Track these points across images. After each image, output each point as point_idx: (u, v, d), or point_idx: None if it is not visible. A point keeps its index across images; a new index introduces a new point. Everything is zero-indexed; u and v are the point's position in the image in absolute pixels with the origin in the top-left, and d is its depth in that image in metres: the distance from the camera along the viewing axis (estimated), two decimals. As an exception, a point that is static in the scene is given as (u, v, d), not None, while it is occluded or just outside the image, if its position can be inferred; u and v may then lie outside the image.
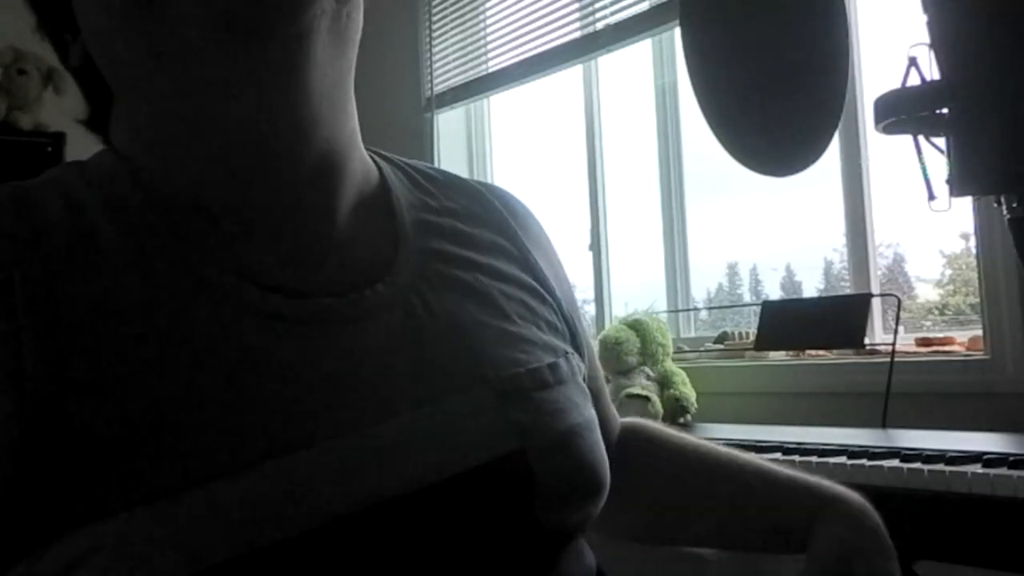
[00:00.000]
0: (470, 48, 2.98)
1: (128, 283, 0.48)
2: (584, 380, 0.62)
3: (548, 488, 0.52)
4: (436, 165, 0.72)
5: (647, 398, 1.92)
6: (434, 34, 3.07)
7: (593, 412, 0.60)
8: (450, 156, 3.05)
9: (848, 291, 2.20)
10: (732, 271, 2.62)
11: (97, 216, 0.51)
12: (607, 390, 0.75)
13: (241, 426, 0.45)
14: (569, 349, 0.62)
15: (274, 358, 0.48)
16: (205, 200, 0.53)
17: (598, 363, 0.74)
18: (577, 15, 2.62)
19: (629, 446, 0.73)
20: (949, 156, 1.26)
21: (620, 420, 0.76)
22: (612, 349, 2.03)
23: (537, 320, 0.60)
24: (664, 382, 2.04)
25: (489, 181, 0.71)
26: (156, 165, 0.54)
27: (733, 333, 2.31)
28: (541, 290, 0.63)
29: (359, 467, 0.46)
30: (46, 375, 0.44)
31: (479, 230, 0.63)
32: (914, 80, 1.32)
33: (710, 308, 2.65)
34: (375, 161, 0.63)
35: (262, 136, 0.52)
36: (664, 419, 1.96)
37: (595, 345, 2.08)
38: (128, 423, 0.44)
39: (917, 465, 1.29)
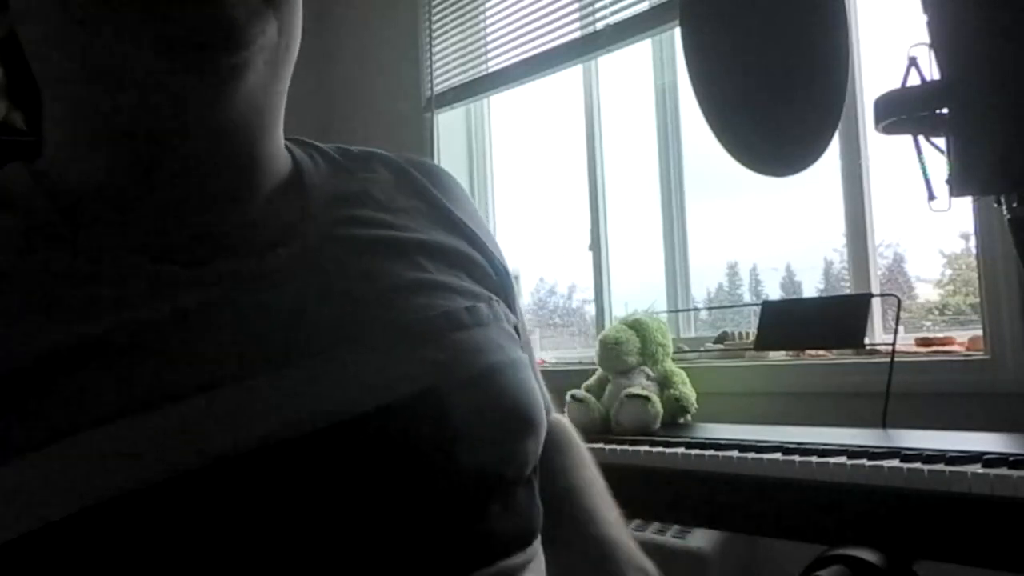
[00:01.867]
0: (470, 48, 2.98)
1: (23, 264, 0.49)
2: (517, 332, 0.61)
3: (464, 426, 0.51)
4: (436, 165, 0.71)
5: (647, 398, 1.92)
6: (434, 34, 3.07)
7: (522, 355, 0.59)
8: (450, 156, 3.05)
9: (848, 291, 2.20)
10: (732, 271, 2.62)
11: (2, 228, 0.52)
12: (537, 368, 0.73)
13: (132, 375, 0.46)
14: (495, 297, 0.61)
15: (172, 314, 0.48)
16: (112, 188, 0.54)
17: (529, 341, 0.73)
18: (577, 15, 2.62)
19: (548, 450, 0.69)
20: (949, 156, 1.25)
21: (554, 415, 0.74)
22: (612, 349, 2.03)
23: (458, 270, 0.60)
24: (664, 382, 2.04)
25: (428, 161, 0.72)
26: (64, 152, 0.55)
27: (733, 333, 2.31)
28: (465, 244, 0.63)
29: (258, 408, 0.46)
30: None
31: (397, 195, 0.63)
32: (914, 80, 1.32)
33: (710, 308, 2.65)
34: (290, 150, 0.64)
35: (180, 143, 0.53)
36: (664, 419, 1.96)
37: (595, 345, 2.09)
38: (14, 371, 0.45)
39: (917, 465, 1.29)
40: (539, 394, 0.57)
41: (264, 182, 0.58)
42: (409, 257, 0.58)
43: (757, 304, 2.26)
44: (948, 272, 2.22)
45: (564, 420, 0.76)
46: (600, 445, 1.72)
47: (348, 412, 0.48)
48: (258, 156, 0.57)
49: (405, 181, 0.66)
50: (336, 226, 0.58)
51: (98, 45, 0.50)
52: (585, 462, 0.71)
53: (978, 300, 1.88)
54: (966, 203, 1.75)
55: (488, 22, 2.93)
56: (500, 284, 0.64)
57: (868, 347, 1.96)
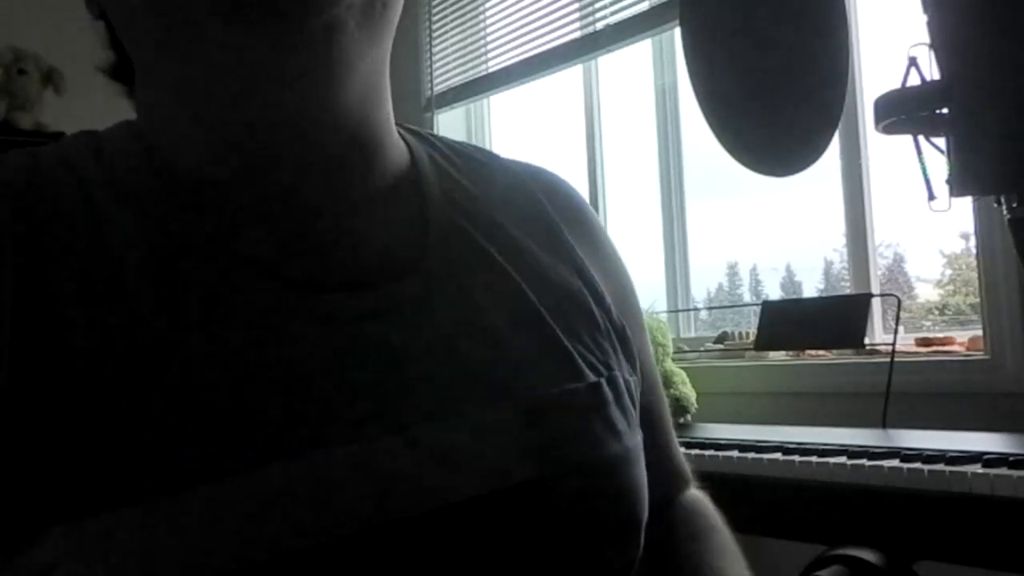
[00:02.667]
0: (470, 48, 2.98)
1: (130, 268, 0.44)
2: (634, 401, 0.55)
3: (568, 523, 0.47)
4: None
5: (647, 398, 1.92)
6: (434, 34, 3.07)
7: (637, 439, 0.53)
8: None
9: (848, 291, 2.20)
10: (732, 271, 2.62)
11: (104, 192, 0.47)
12: (668, 415, 0.66)
13: (236, 430, 0.41)
14: (615, 364, 0.55)
15: (272, 360, 0.44)
16: (220, 181, 0.49)
17: (659, 384, 0.66)
18: (577, 15, 2.62)
19: (680, 537, 0.63)
20: (949, 156, 1.26)
21: (691, 489, 0.66)
22: (612, 349, 2.03)
23: (579, 329, 0.54)
24: (664, 382, 2.04)
25: (529, 161, 0.63)
26: (172, 139, 0.50)
27: (733, 333, 2.31)
28: (586, 293, 0.56)
29: (349, 484, 0.42)
30: (28, 362, 0.41)
31: (519, 222, 0.56)
32: (914, 80, 1.32)
33: (710, 308, 2.65)
34: (406, 140, 0.57)
35: (277, 126, 0.48)
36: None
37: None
38: (114, 418, 0.40)
39: (917, 465, 1.29)
40: (645, 489, 0.52)
41: (379, 174, 0.52)
42: (530, 306, 0.52)
43: (757, 304, 2.26)
44: (948, 272, 2.22)
45: (703, 500, 0.67)
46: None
47: (453, 496, 0.44)
48: (368, 142, 0.52)
49: (529, 203, 0.59)
50: (455, 255, 0.52)
51: (166, 18, 0.45)
52: (723, 551, 0.63)
53: (978, 300, 1.88)
54: (966, 203, 1.75)
55: (488, 22, 2.93)
56: (618, 340, 0.57)
57: (868, 347, 1.95)
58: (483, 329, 0.50)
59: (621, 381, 0.54)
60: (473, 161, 0.60)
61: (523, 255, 0.55)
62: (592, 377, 0.52)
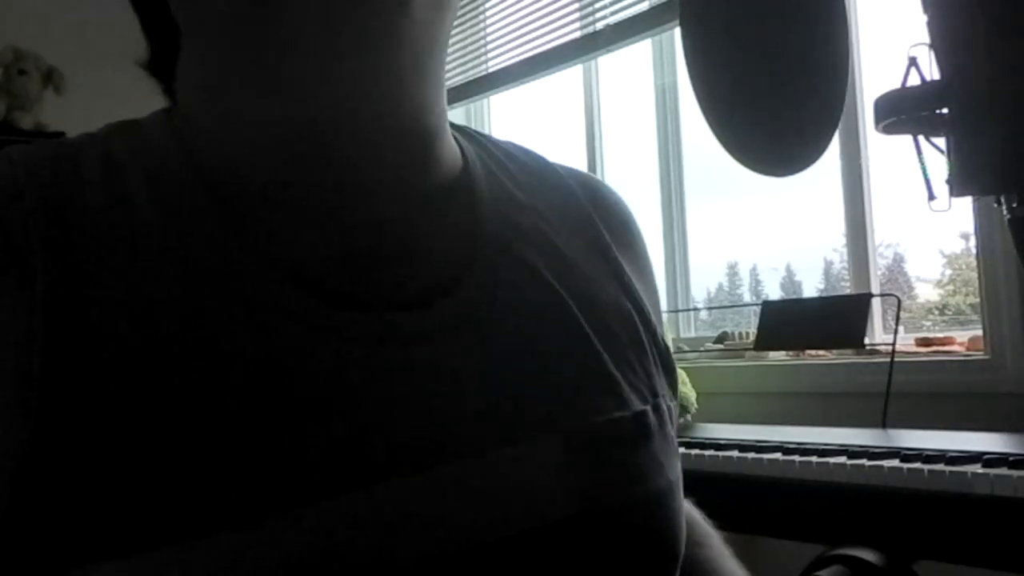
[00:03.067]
0: (470, 48, 2.98)
1: (166, 283, 0.41)
2: (674, 427, 0.54)
3: (609, 558, 0.45)
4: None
5: (647, 398, 1.92)
6: (434, 34, 3.07)
7: (679, 470, 0.51)
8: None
9: (848, 291, 2.20)
10: (732, 271, 2.62)
11: (140, 193, 0.44)
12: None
13: (268, 468, 0.39)
14: (660, 391, 0.52)
15: (324, 383, 0.41)
16: (264, 179, 0.46)
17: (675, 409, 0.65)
18: (577, 15, 2.62)
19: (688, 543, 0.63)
20: (949, 156, 1.26)
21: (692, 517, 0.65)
22: (612, 349, 2.03)
23: (627, 353, 0.51)
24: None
25: (577, 168, 0.60)
26: (212, 129, 0.47)
27: (733, 333, 2.31)
28: (634, 314, 0.53)
29: (394, 521, 0.40)
30: (62, 388, 0.38)
31: (568, 237, 0.54)
32: (914, 80, 1.32)
33: (710, 308, 2.65)
34: (457, 140, 0.54)
35: (340, 107, 0.45)
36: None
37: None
38: (146, 451, 0.38)
39: (917, 465, 1.29)
40: (684, 521, 0.51)
41: (432, 174, 0.50)
42: (579, 329, 0.50)
43: (757, 304, 2.26)
44: (948, 272, 2.22)
45: (690, 505, 0.65)
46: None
47: (492, 534, 0.42)
48: (425, 134, 0.49)
49: (579, 216, 0.56)
50: (505, 271, 0.49)
51: None
52: (724, 553, 0.63)
53: (978, 300, 1.88)
54: (966, 203, 1.75)
55: (488, 22, 2.93)
56: (661, 364, 0.55)
57: (868, 347, 1.96)
58: (528, 353, 0.47)
59: (665, 408, 0.52)
60: (523, 167, 0.57)
61: (571, 272, 0.52)
62: (638, 405, 0.50)
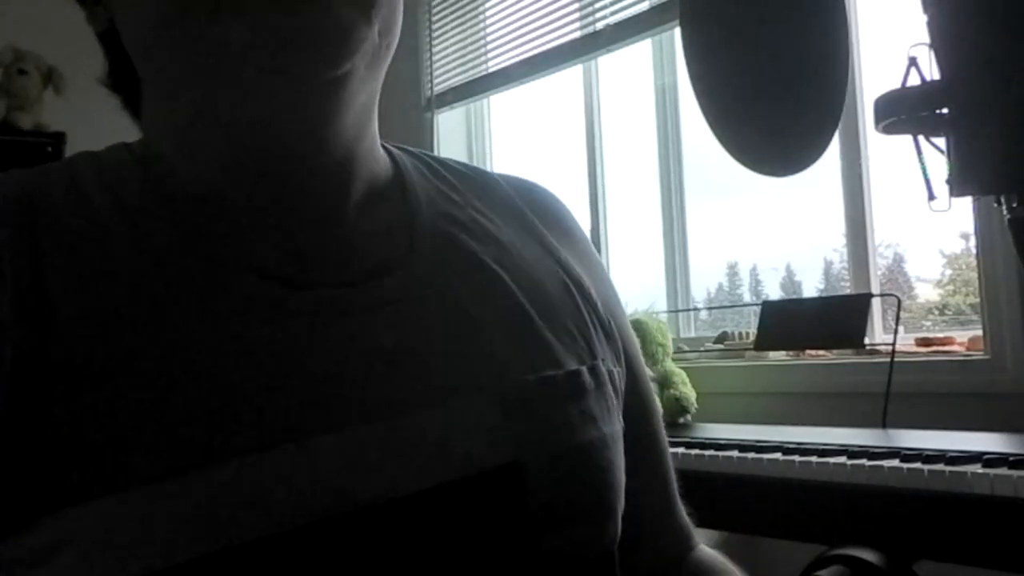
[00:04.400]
0: (470, 48, 2.98)
1: (125, 272, 0.47)
2: (617, 393, 0.57)
3: (543, 507, 0.48)
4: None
5: (647, 398, 1.92)
6: (434, 34, 3.07)
7: (617, 427, 0.55)
8: (450, 156, 3.04)
9: (848, 291, 2.20)
10: (732, 271, 2.62)
11: (102, 205, 0.50)
12: (668, 453, 0.66)
13: (224, 417, 0.44)
14: (599, 355, 0.57)
15: (265, 349, 0.46)
16: (214, 193, 0.51)
17: (659, 411, 0.67)
18: (577, 15, 2.62)
19: None
20: (949, 156, 1.26)
21: (699, 546, 0.66)
22: (612, 349, 2.03)
23: (564, 320, 0.56)
24: (664, 382, 2.04)
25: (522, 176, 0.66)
26: (170, 151, 0.53)
27: (733, 333, 2.31)
28: (571, 287, 0.59)
29: (331, 471, 0.44)
30: (30, 361, 0.43)
31: (503, 226, 0.59)
32: (914, 80, 1.32)
33: (710, 308, 2.65)
34: (390, 153, 0.60)
35: (282, 147, 0.51)
36: (664, 419, 1.95)
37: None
38: (114, 408, 0.43)
39: (917, 465, 1.29)
40: (621, 473, 0.54)
41: (363, 181, 0.55)
42: (514, 301, 0.54)
43: (757, 304, 2.26)
44: (948, 272, 2.22)
45: (720, 557, 0.66)
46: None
47: (426, 481, 0.45)
48: (356, 155, 0.55)
49: (512, 209, 0.62)
50: (441, 255, 0.55)
51: (201, 40, 0.48)
52: None
53: (978, 300, 1.88)
54: (966, 203, 1.75)
55: (488, 22, 2.93)
56: (604, 334, 0.59)
57: (868, 347, 1.96)
58: (464, 322, 0.52)
59: (604, 370, 0.56)
60: (459, 174, 0.62)
61: (507, 253, 0.57)
62: (572, 365, 0.54)
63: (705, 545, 0.67)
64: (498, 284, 0.55)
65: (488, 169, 0.66)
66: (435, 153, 0.66)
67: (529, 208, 0.62)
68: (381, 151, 0.59)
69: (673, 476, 0.66)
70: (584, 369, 0.54)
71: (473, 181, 0.62)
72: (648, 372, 1.96)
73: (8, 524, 0.42)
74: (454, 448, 0.47)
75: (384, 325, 0.49)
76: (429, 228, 0.56)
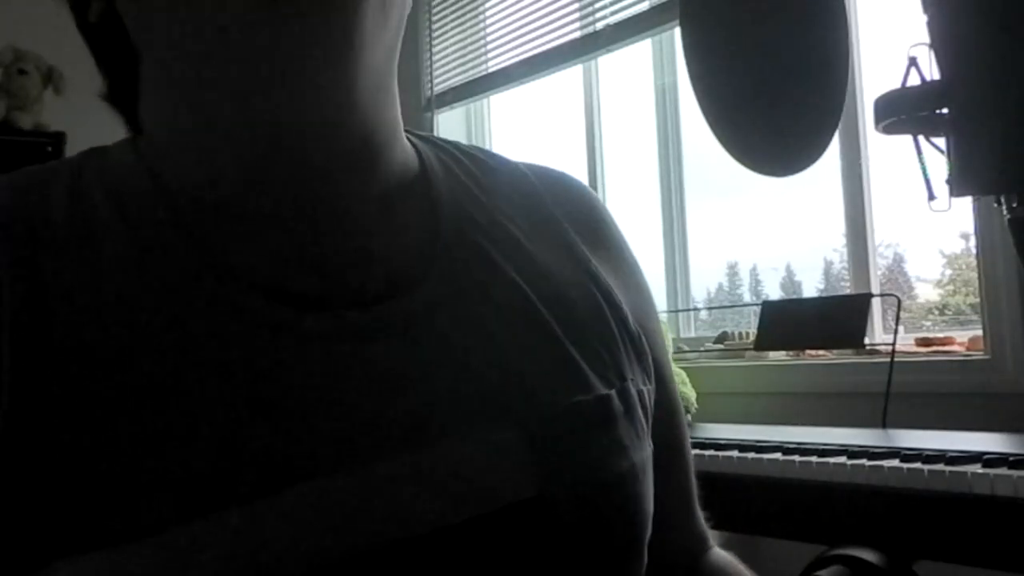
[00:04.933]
0: (470, 48, 2.98)
1: (129, 290, 0.44)
2: (647, 412, 0.54)
3: (569, 543, 0.46)
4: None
5: (647, 398, 1.92)
6: (434, 34, 3.07)
7: (647, 451, 0.52)
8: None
9: (848, 291, 2.20)
10: (732, 271, 2.62)
11: (105, 212, 0.46)
12: (690, 458, 0.63)
13: (237, 458, 0.41)
14: (628, 376, 0.53)
15: (275, 378, 0.43)
16: (223, 194, 0.48)
17: (683, 416, 0.63)
18: (577, 15, 2.62)
19: None
20: (949, 156, 1.25)
21: (714, 549, 0.64)
22: (612, 349, 2.03)
23: (592, 339, 0.52)
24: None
25: (545, 165, 0.61)
26: (174, 149, 0.49)
27: (733, 333, 2.31)
28: (601, 302, 0.55)
29: (357, 507, 0.42)
30: (28, 392, 0.40)
31: (531, 231, 0.55)
32: (914, 80, 1.32)
33: (710, 308, 2.65)
34: (415, 145, 0.55)
35: (294, 122, 0.47)
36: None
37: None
38: (115, 450, 0.40)
39: (917, 465, 1.29)
40: (650, 504, 0.51)
41: (389, 178, 0.51)
42: (540, 320, 0.51)
43: (757, 304, 2.26)
44: (948, 272, 2.22)
45: (733, 560, 0.64)
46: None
47: (447, 519, 0.43)
48: (378, 140, 0.50)
49: (541, 210, 0.57)
50: (465, 266, 0.51)
51: (195, 13, 0.45)
52: None
53: (978, 300, 1.88)
54: (966, 203, 1.75)
55: (488, 22, 2.93)
56: (634, 350, 0.55)
57: (868, 347, 1.96)
58: (489, 344, 0.49)
59: (634, 392, 0.53)
60: (480, 164, 0.58)
61: (534, 265, 0.53)
62: (602, 389, 0.51)
63: (718, 547, 0.66)
64: (523, 302, 0.51)
65: (510, 158, 0.61)
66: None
67: (560, 208, 0.58)
68: (406, 143, 0.54)
69: (694, 483, 0.64)
70: (614, 393, 0.51)
71: (500, 176, 0.58)
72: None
73: (14, 570, 0.39)
74: (478, 481, 0.44)
75: (402, 350, 0.46)
76: (452, 237, 0.52)
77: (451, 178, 0.55)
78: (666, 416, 0.60)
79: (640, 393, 0.54)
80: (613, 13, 2.51)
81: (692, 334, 2.53)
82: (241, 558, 0.39)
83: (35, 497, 0.39)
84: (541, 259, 0.54)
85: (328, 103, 0.47)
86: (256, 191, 0.48)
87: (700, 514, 0.64)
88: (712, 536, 0.66)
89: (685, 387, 2.05)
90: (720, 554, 0.64)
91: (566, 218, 0.58)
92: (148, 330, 0.43)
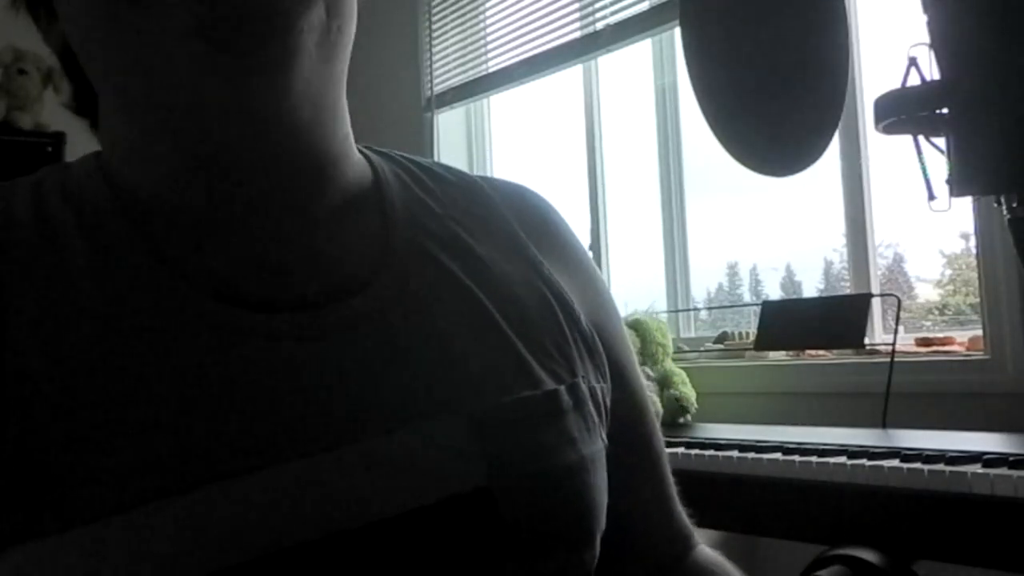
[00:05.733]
0: (470, 48, 2.98)
1: (85, 295, 0.46)
2: (600, 407, 0.56)
3: (517, 533, 0.47)
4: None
5: (647, 398, 1.92)
6: (434, 34, 3.07)
7: (598, 446, 0.53)
8: (450, 156, 3.05)
9: (848, 291, 2.20)
10: (732, 271, 2.62)
11: (64, 224, 0.49)
12: (663, 453, 0.64)
13: (186, 448, 0.42)
14: (580, 372, 0.55)
15: (227, 376, 0.45)
16: (177, 202, 0.50)
17: (651, 411, 0.64)
18: (577, 15, 2.62)
19: None
20: (949, 156, 1.25)
21: (700, 546, 0.64)
22: (612, 349, 2.03)
23: (543, 338, 0.54)
24: (664, 382, 2.04)
25: (504, 178, 0.65)
26: (129, 163, 0.51)
27: (733, 333, 2.31)
28: (554, 303, 0.56)
29: (300, 498, 0.43)
30: None
31: (482, 237, 0.57)
32: (914, 80, 1.32)
33: (710, 308, 2.65)
34: (370, 160, 0.58)
35: (237, 145, 0.49)
36: (664, 419, 1.96)
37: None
38: (64, 441, 0.41)
39: (917, 465, 1.29)
40: (601, 496, 0.52)
41: (338, 192, 0.53)
42: (490, 320, 0.53)
43: (757, 304, 2.26)
44: (948, 272, 2.22)
45: (721, 560, 0.64)
46: (600, 445, 1.72)
47: (394, 508, 0.44)
48: (325, 159, 0.52)
49: (493, 217, 0.59)
50: (415, 271, 0.53)
51: (136, 34, 0.47)
52: None
53: (978, 300, 1.88)
54: (966, 203, 1.75)
55: (488, 22, 2.93)
56: (586, 349, 0.57)
57: (868, 347, 1.95)
58: (437, 343, 0.50)
59: (584, 388, 0.54)
60: (435, 176, 0.60)
61: (486, 270, 0.55)
62: (550, 385, 0.52)
63: (705, 545, 0.66)
64: (473, 302, 0.53)
65: (478, 172, 0.64)
66: (435, 153, 0.65)
67: (515, 217, 0.60)
68: (358, 156, 0.57)
69: (671, 480, 0.64)
70: (562, 388, 0.52)
71: (456, 188, 0.60)
72: (648, 372, 1.95)
73: None
74: (426, 473, 0.46)
75: (350, 348, 0.48)
76: (403, 243, 0.54)
77: (405, 189, 0.57)
78: (632, 416, 0.61)
79: (592, 390, 0.55)
80: (613, 13, 2.51)
81: (692, 334, 2.53)
82: (181, 548, 0.40)
83: None
84: (492, 263, 0.56)
85: (271, 130, 0.49)
86: (208, 201, 0.50)
87: (681, 512, 0.65)
88: (704, 535, 0.66)
89: (685, 387, 2.05)
90: (706, 552, 0.65)
91: (521, 226, 0.60)
92: (97, 328, 0.45)
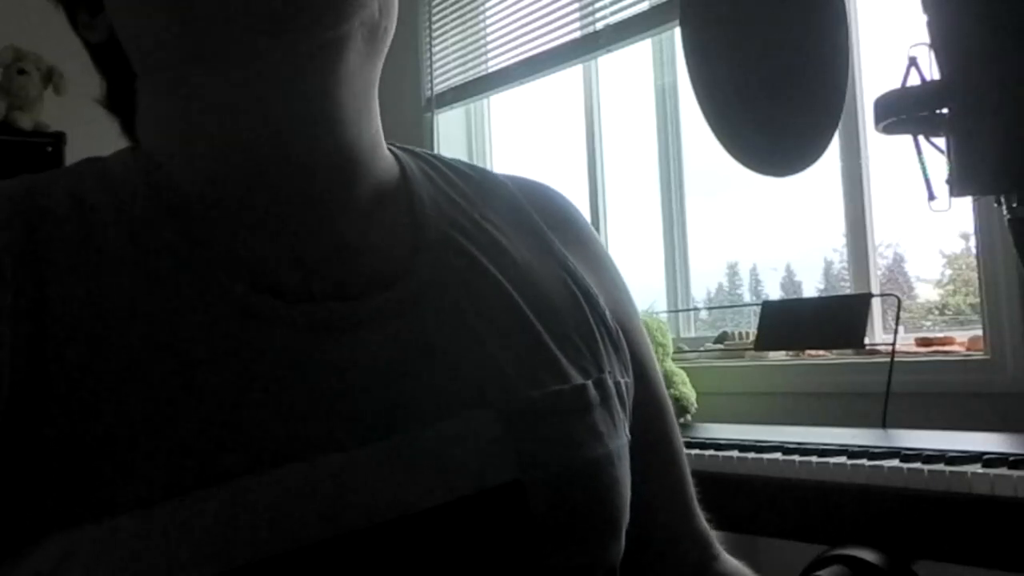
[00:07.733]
0: (470, 48, 2.98)
1: (125, 283, 0.46)
2: (624, 404, 0.56)
3: (547, 526, 0.47)
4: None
5: (647, 398, 1.92)
6: (434, 34, 3.07)
7: (623, 441, 0.54)
8: (450, 156, 3.05)
9: (848, 291, 2.20)
10: (732, 271, 2.62)
11: (104, 213, 0.49)
12: (683, 454, 0.64)
13: (224, 437, 0.43)
14: (606, 368, 0.55)
15: (263, 366, 0.45)
16: (216, 195, 0.51)
17: (671, 411, 0.64)
18: (577, 15, 2.62)
19: None
20: (949, 156, 1.25)
21: (721, 554, 0.64)
22: (612, 349, 2.03)
23: (570, 333, 0.54)
24: (664, 382, 2.05)
25: (524, 176, 0.64)
26: (171, 154, 0.52)
27: (733, 333, 2.31)
28: (580, 297, 0.57)
29: (338, 490, 0.43)
30: (28, 372, 0.43)
31: (510, 233, 0.58)
32: (914, 80, 1.32)
33: (710, 308, 2.65)
34: (396, 155, 0.59)
35: (282, 134, 0.51)
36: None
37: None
38: (109, 428, 0.42)
39: (917, 465, 1.29)
40: (626, 490, 0.53)
41: (371, 186, 0.54)
42: (519, 315, 0.53)
43: (757, 304, 2.26)
44: (948, 272, 2.22)
45: (744, 569, 0.64)
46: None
47: (426, 503, 0.45)
48: (359, 152, 0.53)
49: (519, 215, 0.60)
50: (446, 265, 0.53)
51: (192, 25, 0.48)
52: None
53: (978, 300, 1.88)
54: (966, 203, 1.75)
55: (488, 22, 2.93)
56: (612, 345, 0.57)
57: (868, 347, 1.95)
58: (468, 335, 0.51)
59: (611, 383, 0.55)
60: (460, 173, 0.61)
61: (513, 263, 0.56)
62: (578, 379, 0.52)
63: (727, 553, 0.65)
64: (503, 296, 0.53)
65: (492, 170, 0.64)
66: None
67: (537, 212, 0.61)
68: (387, 153, 0.58)
69: (690, 481, 0.64)
70: (590, 383, 0.53)
71: (479, 184, 0.61)
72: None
73: (7, 544, 0.41)
74: (456, 466, 0.46)
75: (385, 340, 0.48)
76: (434, 237, 0.54)
77: (431, 184, 0.58)
78: (652, 413, 0.61)
79: (618, 384, 0.56)
80: (613, 13, 2.51)
81: (692, 334, 2.53)
82: (223, 535, 0.41)
83: (31, 475, 0.41)
84: (521, 258, 0.56)
85: (315, 122, 0.51)
86: (248, 193, 0.51)
87: (700, 515, 0.64)
88: (715, 537, 0.66)
89: (685, 387, 2.05)
90: (730, 563, 0.64)
91: (545, 222, 0.60)
92: (140, 319, 0.45)
